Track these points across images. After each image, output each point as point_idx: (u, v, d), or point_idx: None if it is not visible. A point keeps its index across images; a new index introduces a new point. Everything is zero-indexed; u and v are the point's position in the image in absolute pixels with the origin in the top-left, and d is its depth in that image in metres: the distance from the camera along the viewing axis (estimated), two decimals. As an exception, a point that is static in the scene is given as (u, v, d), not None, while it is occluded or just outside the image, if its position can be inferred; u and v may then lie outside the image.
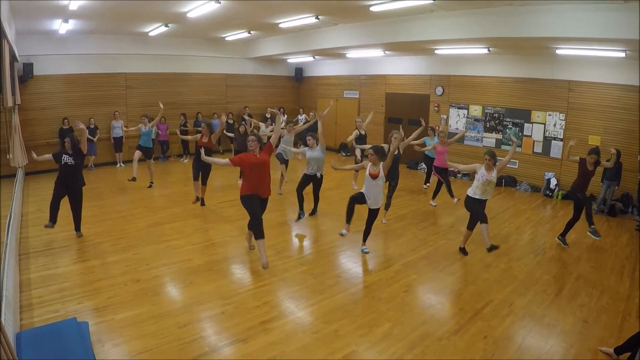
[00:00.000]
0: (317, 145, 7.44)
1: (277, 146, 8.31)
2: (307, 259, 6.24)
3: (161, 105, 9.81)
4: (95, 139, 12.06)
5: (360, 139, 9.27)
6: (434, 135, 9.50)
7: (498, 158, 5.98)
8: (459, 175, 11.73)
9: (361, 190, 6.05)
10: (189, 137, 9.40)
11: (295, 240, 7.10)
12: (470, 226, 6.25)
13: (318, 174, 7.54)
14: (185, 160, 13.57)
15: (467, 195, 6.12)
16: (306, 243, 6.97)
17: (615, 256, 6.47)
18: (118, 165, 12.67)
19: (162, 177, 11.21)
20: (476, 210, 5.98)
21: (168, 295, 5.14)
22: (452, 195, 8.61)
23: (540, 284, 5.52)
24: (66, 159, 6.42)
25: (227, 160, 5.61)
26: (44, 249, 6.28)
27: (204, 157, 5.99)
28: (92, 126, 11.99)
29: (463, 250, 6.47)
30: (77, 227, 6.83)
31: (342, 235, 6.17)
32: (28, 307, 4.63)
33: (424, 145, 9.49)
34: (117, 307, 4.72)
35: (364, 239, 6.39)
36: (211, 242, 6.77)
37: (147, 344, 4.01)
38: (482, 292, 5.29)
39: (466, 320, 4.61)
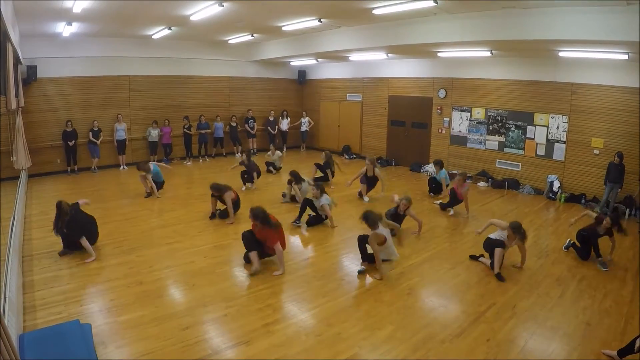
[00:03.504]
0: (322, 195, 7.61)
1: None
2: (310, 262, 6.24)
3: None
4: (98, 142, 12.10)
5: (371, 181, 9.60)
6: (440, 169, 9.86)
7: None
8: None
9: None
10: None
11: (298, 243, 7.10)
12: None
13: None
14: (189, 163, 13.59)
15: (489, 238, 6.11)
16: (309, 246, 6.97)
17: (618, 259, 6.45)
18: (121, 167, 12.70)
19: (165, 179, 11.19)
20: (494, 243, 5.99)
21: (171, 298, 5.15)
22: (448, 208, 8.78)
23: (543, 287, 5.51)
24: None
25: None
26: (47, 251, 6.29)
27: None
28: (95, 129, 12.02)
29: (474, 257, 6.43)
30: None
31: (360, 272, 5.82)
32: (31, 309, 4.65)
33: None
34: (120, 309, 4.73)
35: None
36: (214, 245, 6.78)
37: (150, 346, 4.03)
38: (485, 294, 5.28)
39: (469, 323, 4.61)
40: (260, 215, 5.71)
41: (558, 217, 8.82)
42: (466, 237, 7.29)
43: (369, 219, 5.61)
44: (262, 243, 5.83)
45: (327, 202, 7.61)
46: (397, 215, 7.36)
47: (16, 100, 8.16)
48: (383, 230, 5.61)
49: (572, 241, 6.78)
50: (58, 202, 6.14)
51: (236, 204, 8.05)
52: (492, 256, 5.94)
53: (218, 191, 7.88)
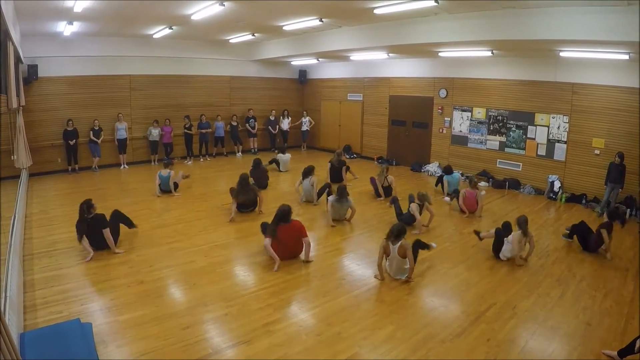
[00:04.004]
0: (338, 196, 7.81)
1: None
2: (310, 261, 6.23)
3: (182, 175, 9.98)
4: (99, 141, 12.10)
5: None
6: (448, 174, 10.03)
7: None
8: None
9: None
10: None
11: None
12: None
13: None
14: (189, 163, 13.59)
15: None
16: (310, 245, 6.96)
17: (618, 259, 6.45)
18: (122, 167, 12.70)
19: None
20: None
21: (171, 297, 5.16)
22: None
23: (544, 287, 5.50)
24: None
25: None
26: (47, 250, 6.30)
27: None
28: (96, 128, 12.02)
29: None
30: None
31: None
32: (32, 308, 4.65)
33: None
34: (121, 308, 4.74)
35: None
36: (215, 244, 6.77)
37: (150, 346, 4.03)
38: (485, 294, 5.28)
39: (469, 322, 4.61)
40: (277, 214, 6.03)
41: (559, 217, 8.81)
42: (466, 237, 7.28)
43: (394, 231, 5.57)
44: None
45: (331, 200, 7.77)
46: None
47: (17, 99, 8.17)
48: (394, 246, 5.56)
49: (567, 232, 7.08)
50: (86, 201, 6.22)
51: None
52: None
53: (247, 194, 8.09)
